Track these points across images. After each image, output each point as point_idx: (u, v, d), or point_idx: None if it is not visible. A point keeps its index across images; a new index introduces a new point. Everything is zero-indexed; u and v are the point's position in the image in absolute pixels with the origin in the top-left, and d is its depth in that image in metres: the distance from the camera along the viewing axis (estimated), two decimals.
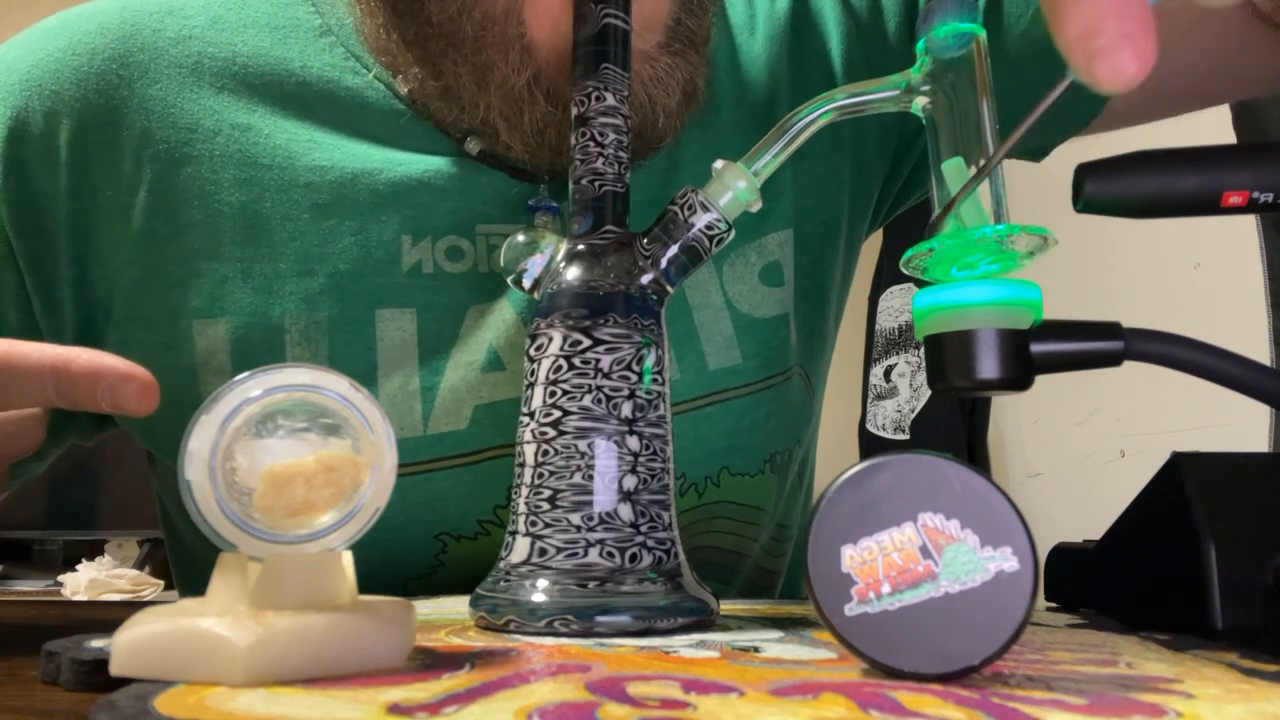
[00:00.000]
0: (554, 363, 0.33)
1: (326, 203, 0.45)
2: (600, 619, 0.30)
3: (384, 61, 0.46)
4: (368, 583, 0.27)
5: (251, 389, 0.23)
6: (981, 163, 0.31)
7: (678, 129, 0.45)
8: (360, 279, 0.44)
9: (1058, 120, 0.51)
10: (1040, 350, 0.31)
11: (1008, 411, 1.77)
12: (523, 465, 0.33)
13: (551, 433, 0.32)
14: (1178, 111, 0.53)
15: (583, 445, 0.32)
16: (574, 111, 0.36)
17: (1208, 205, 0.30)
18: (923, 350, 0.32)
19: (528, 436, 0.33)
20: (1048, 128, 0.51)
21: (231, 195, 0.45)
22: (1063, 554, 0.40)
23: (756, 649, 0.26)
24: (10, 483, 0.50)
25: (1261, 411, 1.17)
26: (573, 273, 0.34)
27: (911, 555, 0.21)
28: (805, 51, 0.53)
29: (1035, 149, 0.55)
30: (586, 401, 0.32)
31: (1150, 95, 0.51)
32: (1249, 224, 1.27)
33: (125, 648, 0.21)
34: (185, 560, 0.56)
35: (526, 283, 0.35)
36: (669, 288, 0.35)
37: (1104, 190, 0.31)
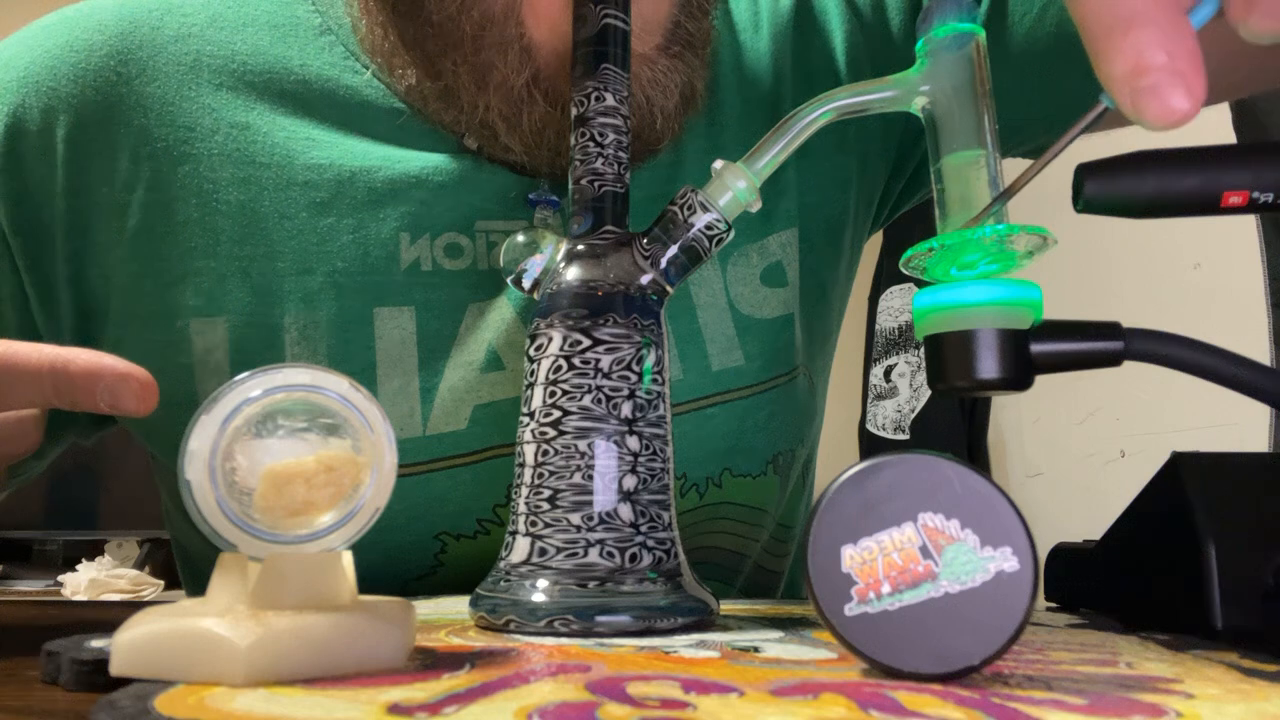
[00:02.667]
0: (554, 363, 0.33)
1: (325, 201, 0.45)
2: (600, 619, 0.30)
3: (379, 63, 0.46)
4: (368, 583, 0.27)
5: (251, 389, 0.23)
6: (993, 160, 0.31)
7: (675, 131, 0.45)
8: (358, 277, 0.44)
9: (1063, 121, 0.51)
10: (1040, 350, 0.31)
11: (1008, 411, 1.77)
12: (523, 465, 0.33)
13: (551, 433, 0.32)
14: None
15: (583, 445, 0.32)
16: (573, 112, 0.36)
17: (1208, 205, 0.30)
18: (923, 350, 0.32)
19: (528, 436, 0.33)
20: (1052, 129, 0.51)
21: (229, 194, 0.45)
22: (1063, 554, 0.40)
23: (756, 649, 0.26)
24: (10, 483, 0.50)
25: (1261, 411, 1.17)
26: (572, 273, 0.34)
27: (911, 555, 0.21)
28: (809, 49, 0.53)
29: (1040, 149, 0.55)
30: (586, 401, 0.32)
31: None
32: (1249, 224, 1.27)
33: (125, 648, 0.21)
34: (188, 559, 0.56)
35: (526, 283, 0.35)
36: (669, 288, 0.35)
37: (1104, 190, 0.31)
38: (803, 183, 0.51)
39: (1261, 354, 1.24)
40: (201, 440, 0.23)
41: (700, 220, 0.34)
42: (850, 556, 0.21)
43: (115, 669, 0.21)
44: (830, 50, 0.53)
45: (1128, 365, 0.31)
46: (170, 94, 0.46)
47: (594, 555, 0.31)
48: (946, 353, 0.31)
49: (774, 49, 0.52)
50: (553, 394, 0.32)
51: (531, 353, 0.34)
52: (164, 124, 0.45)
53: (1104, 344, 0.31)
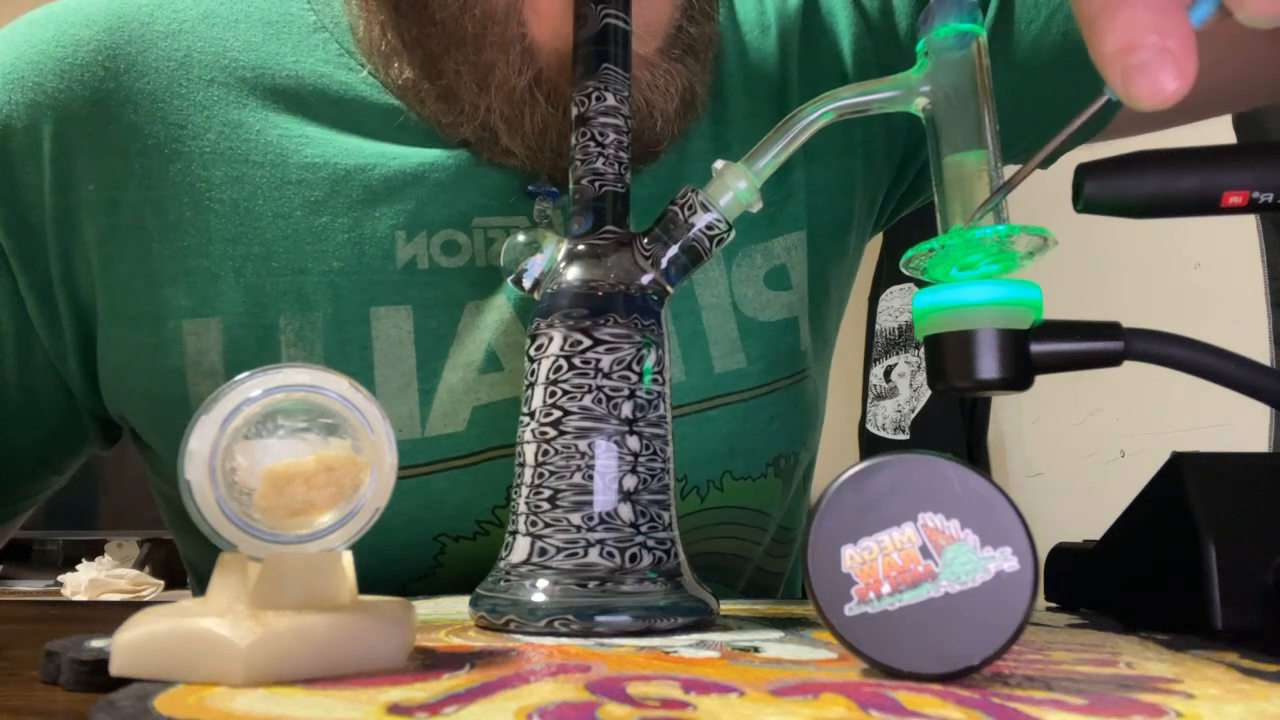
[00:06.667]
0: (554, 363, 0.33)
1: (319, 199, 0.44)
2: (600, 619, 0.30)
3: (375, 62, 0.46)
4: (367, 584, 0.27)
5: (251, 389, 0.23)
6: (994, 161, 0.31)
7: (675, 135, 0.45)
8: (354, 276, 0.44)
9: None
10: (1040, 350, 0.31)
11: (1008, 411, 1.77)
12: (523, 465, 0.33)
13: (552, 433, 0.32)
14: (1185, 121, 0.52)
15: (583, 445, 0.32)
16: (574, 112, 0.36)
17: (1208, 205, 0.30)
18: (923, 350, 0.32)
19: (528, 436, 0.33)
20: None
21: (222, 192, 0.44)
22: (1063, 554, 0.40)
23: (756, 649, 0.26)
24: (34, 500, 0.51)
25: (1261, 411, 1.17)
26: (573, 273, 0.34)
27: (911, 555, 0.21)
28: (816, 51, 0.52)
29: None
30: (587, 401, 0.32)
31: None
32: (1249, 224, 1.27)
33: (125, 648, 0.21)
34: (191, 559, 0.56)
35: (526, 283, 0.35)
36: (669, 288, 0.35)
37: (1104, 190, 0.31)
38: (810, 185, 0.51)
39: (1261, 354, 1.24)
40: (201, 440, 0.23)
41: (701, 220, 0.34)
42: (850, 556, 0.21)
43: (115, 669, 0.21)
44: (838, 52, 0.53)
45: (1128, 365, 0.31)
46: (160, 90, 0.45)
47: (594, 555, 0.31)
48: (946, 353, 0.31)
49: (781, 50, 0.52)
50: (553, 394, 0.32)
51: (532, 352, 0.34)
52: (154, 121, 0.45)
53: (1104, 344, 0.31)
